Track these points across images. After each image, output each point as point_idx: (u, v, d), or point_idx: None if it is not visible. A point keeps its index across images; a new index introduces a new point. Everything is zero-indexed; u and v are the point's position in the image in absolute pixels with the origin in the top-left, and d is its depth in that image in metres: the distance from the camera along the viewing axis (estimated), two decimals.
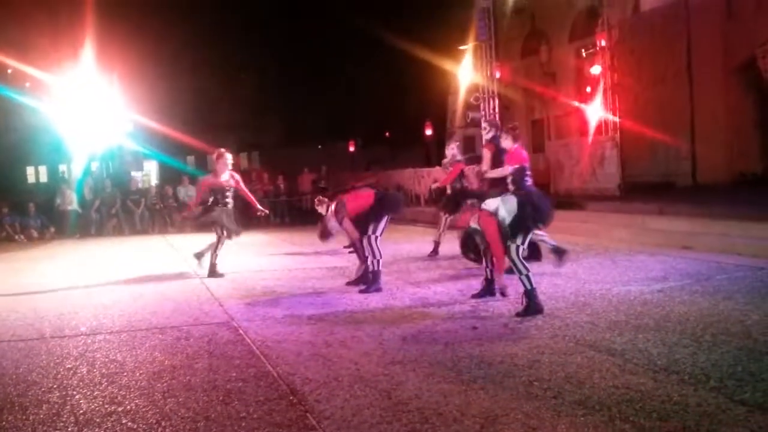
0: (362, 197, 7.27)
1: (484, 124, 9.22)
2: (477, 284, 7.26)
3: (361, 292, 7.02)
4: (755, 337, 4.73)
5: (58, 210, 16.99)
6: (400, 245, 11.39)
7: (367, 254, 7.22)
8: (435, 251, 9.69)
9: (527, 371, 4.20)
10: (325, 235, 7.64)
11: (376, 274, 7.15)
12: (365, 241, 7.19)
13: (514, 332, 5.19)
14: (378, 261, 7.16)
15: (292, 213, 19.55)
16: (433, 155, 24.44)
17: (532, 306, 5.72)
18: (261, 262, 10.02)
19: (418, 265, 8.90)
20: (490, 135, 8.66)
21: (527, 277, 5.77)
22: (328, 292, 7.19)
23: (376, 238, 7.17)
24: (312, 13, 31.95)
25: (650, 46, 14.74)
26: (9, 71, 20.93)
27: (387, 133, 36.74)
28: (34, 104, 20.80)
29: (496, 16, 18.02)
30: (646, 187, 13.60)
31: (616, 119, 15.45)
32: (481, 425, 3.39)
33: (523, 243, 5.91)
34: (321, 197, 8.07)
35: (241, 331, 5.57)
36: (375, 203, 7.18)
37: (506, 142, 7.61)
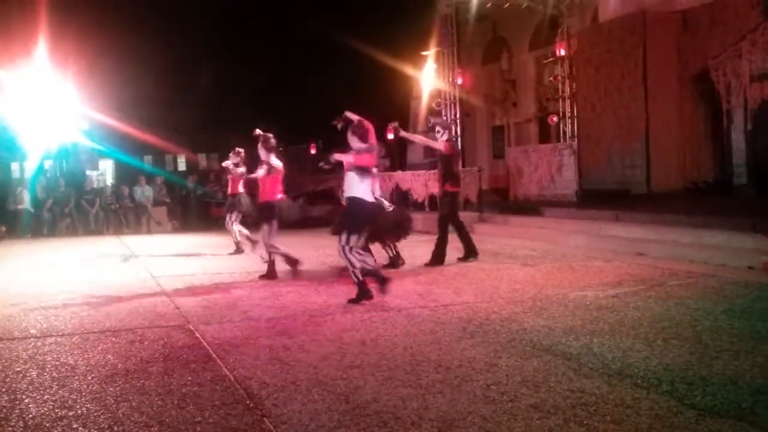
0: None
1: (438, 127, 9.47)
2: (438, 289, 7.31)
3: (350, 302, 6.59)
4: (706, 342, 4.85)
5: (9, 209, 16.51)
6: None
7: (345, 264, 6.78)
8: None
9: (485, 375, 4.24)
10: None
11: (360, 284, 6.66)
12: (338, 252, 6.74)
13: (472, 336, 5.22)
14: (357, 269, 6.65)
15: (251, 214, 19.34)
16: (395, 158, 24.49)
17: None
18: (219, 265, 9.90)
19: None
20: (445, 136, 9.27)
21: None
22: (287, 295, 7.13)
23: (351, 248, 6.63)
24: (273, 16, 31.76)
25: (608, 56, 15.03)
26: None
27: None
28: None
29: (459, 23, 18.19)
30: (603, 194, 13.86)
31: (575, 127, 15.77)
32: (439, 429, 3.40)
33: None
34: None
35: (197, 335, 5.49)
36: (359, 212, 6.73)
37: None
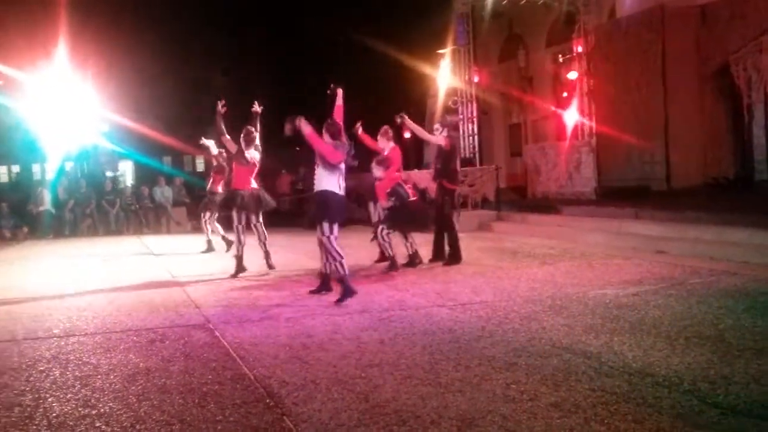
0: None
1: (437, 125, 9.66)
2: (456, 287, 7.31)
3: (336, 303, 6.58)
4: (728, 341, 4.80)
5: (31, 210, 16.73)
6: (377, 248, 11.38)
7: (326, 259, 6.94)
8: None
9: (504, 374, 4.22)
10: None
11: (343, 278, 6.73)
12: (323, 244, 6.84)
13: (491, 335, 5.21)
14: (341, 263, 6.74)
15: (269, 215, 19.42)
16: (411, 157, 24.49)
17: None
18: None
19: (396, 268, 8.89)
20: (444, 133, 9.38)
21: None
22: (305, 295, 7.15)
23: (335, 238, 6.76)
24: (291, 16, 31.86)
25: (626, 52, 14.90)
26: None
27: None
28: (8, 103, 20.45)
29: (475, 21, 18.13)
30: (622, 191, 13.74)
31: (592, 124, 15.65)
32: (458, 428, 3.40)
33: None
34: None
35: (217, 334, 5.53)
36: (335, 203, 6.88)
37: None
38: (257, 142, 8.96)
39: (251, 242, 9.09)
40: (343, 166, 6.89)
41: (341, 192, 6.91)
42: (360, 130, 8.88)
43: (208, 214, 11.54)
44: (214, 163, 11.54)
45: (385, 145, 9.06)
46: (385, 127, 9.18)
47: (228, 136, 9.15)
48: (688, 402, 3.65)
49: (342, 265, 6.73)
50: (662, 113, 14.15)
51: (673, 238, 9.49)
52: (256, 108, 9.09)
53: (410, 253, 8.95)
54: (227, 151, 9.35)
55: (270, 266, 9.06)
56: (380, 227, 8.67)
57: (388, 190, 8.56)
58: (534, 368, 4.32)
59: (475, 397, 3.82)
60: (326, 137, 6.86)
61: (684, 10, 14.27)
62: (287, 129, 6.87)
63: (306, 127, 6.78)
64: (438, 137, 9.29)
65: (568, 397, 3.78)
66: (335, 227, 6.82)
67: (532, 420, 3.47)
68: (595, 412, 3.53)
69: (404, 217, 8.59)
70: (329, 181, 6.83)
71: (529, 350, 4.74)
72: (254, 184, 9.09)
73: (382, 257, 9.07)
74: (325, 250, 6.88)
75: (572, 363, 4.41)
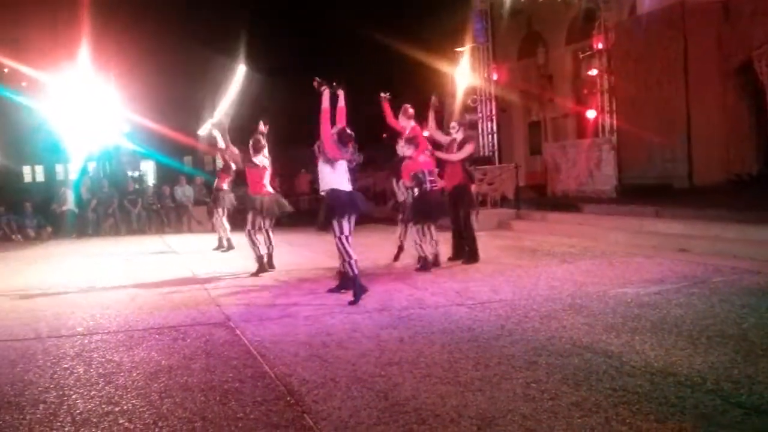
0: None
1: (453, 123, 9.55)
2: (475, 286, 7.29)
3: (350, 303, 6.50)
4: (752, 340, 4.74)
5: (55, 210, 16.97)
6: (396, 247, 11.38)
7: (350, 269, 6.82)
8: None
9: (524, 373, 4.21)
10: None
11: (354, 278, 6.70)
12: (335, 243, 6.81)
13: (511, 334, 5.19)
14: (351, 263, 6.73)
15: (289, 214, 19.50)
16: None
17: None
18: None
19: (415, 267, 8.89)
20: (461, 134, 9.18)
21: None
22: (324, 293, 7.18)
23: (347, 238, 6.76)
24: (309, 14, 31.93)
25: (647, 49, 14.76)
26: (5, 70, 20.86)
27: (384, 135, 36.80)
28: (31, 104, 20.74)
29: (493, 18, 18.04)
30: (643, 189, 13.61)
31: (613, 121, 15.53)
32: (478, 427, 3.40)
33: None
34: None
35: (238, 332, 5.57)
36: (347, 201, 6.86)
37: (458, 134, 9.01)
38: (265, 152, 9.08)
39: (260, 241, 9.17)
40: (344, 163, 6.86)
41: (349, 187, 6.87)
42: (386, 99, 8.74)
43: (219, 211, 11.64)
44: (219, 159, 11.69)
45: (406, 123, 8.84)
46: (406, 105, 9.00)
47: (235, 150, 9.46)
48: (711, 402, 3.62)
49: (352, 265, 6.70)
50: (684, 110, 14.01)
51: (695, 236, 9.38)
52: (262, 128, 9.20)
53: (433, 252, 8.71)
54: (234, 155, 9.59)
55: (271, 266, 9.02)
56: (414, 228, 8.53)
57: (413, 173, 8.38)
58: (554, 367, 4.30)
59: (495, 396, 3.81)
60: (334, 137, 6.88)
61: (705, 6, 14.11)
62: (315, 83, 7.01)
63: (325, 102, 6.90)
64: (469, 145, 9.04)
65: (589, 396, 3.76)
66: (346, 225, 6.74)
67: (552, 419, 3.45)
68: (616, 412, 3.51)
69: (425, 207, 8.41)
70: (334, 179, 6.82)
71: (549, 349, 4.72)
72: (269, 188, 9.12)
73: (399, 254, 9.09)
74: (338, 251, 6.86)
75: (593, 362, 4.38)
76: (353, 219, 6.90)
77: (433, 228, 8.58)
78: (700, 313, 5.60)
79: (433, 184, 8.46)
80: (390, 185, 19.20)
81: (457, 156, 8.88)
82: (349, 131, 6.99)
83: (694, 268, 7.78)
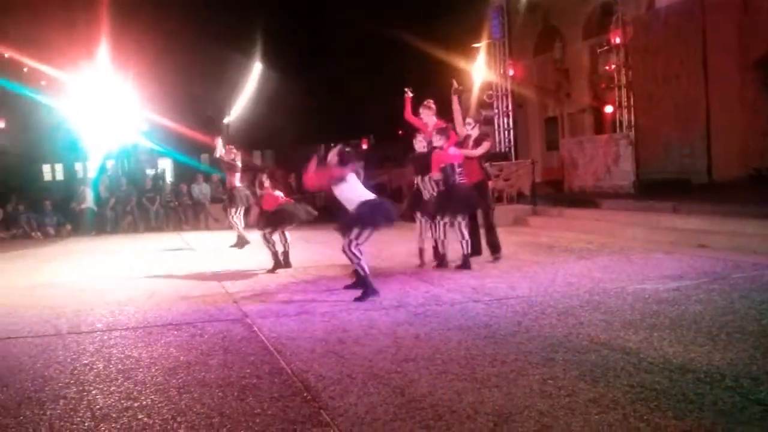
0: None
1: (469, 119, 9.14)
2: (491, 282, 7.27)
3: (356, 300, 6.54)
4: None
5: (74, 208, 17.15)
6: (412, 243, 11.37)
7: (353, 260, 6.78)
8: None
9: (541, 369, 4.20)
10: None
11: (366, 278, 6.68)
12: (343, 247, 6.73)
13: (528, 330, 5.18)
14: (361, 264, 6.69)
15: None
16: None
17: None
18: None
19: (431, 263, 8.89)
20: (476, 131, 8.93)
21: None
22: (341, 290, 7.19)
23: (357, 245, 6.67)
24: (325, 12, 31.95)
25: (665, 43, 14.61)
26: (25, 69, 21.11)
27: (400, 131, 36.74)
28: (50, 102, 20.97)
29: (510, 14, 17.98)
30: (661, 184, 13.48)
31: (631, 116, 15.39)
32: (495, 423, 3.39)
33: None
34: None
35: (255, 328, 5.60)
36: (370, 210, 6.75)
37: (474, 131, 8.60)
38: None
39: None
40: (353, 174, 6.84)
41: (371, 195, 6.82)
42: (409, 94, 8.64)
43: (234, 209, 11.73)
44: (225, 160, 11.82)
45: (429, 119, 8.69)
46: (429, 100, 8.85)
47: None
48: (731, 398, 3.58)
49: (363, 266, 6.65)
50: (703, 104, 13.85)
51: (714, 232, 9.28)
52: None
53: (466, 254, 8.30)
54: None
55: (287, 264, 8.97)
56: (440, 224, 8.21)
57: (443, 165, 8.05)
58: (571, 364, 4.28)
59: (512, 393, 3.80)
60: (335, 159, 6.91)
61: None
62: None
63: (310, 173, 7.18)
64: (488, 142, 8.88)
65: (607, 393, 3.74)
66: (367, 234, 6.66)
67: (569, 416, 3.44)
68: (634, 409, 3.49)
69: (453, 202, 8.07)
70: (355, 194, 6.72)
71: (567, 346, 4.70)
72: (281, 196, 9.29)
73: (423, 256, 8.68)
74: (346, 252, 6.71)
75: (611, 359, 4.35)
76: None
77: (464, 224, 8.18)
78: (720, 309, 5.55)
79: (462, 178, 8.19)
80: (407, 181, 19.13)
81: (476, 152, 8.70)
82: (347, 149, 7.00)
83: (714, 263, 7.71)
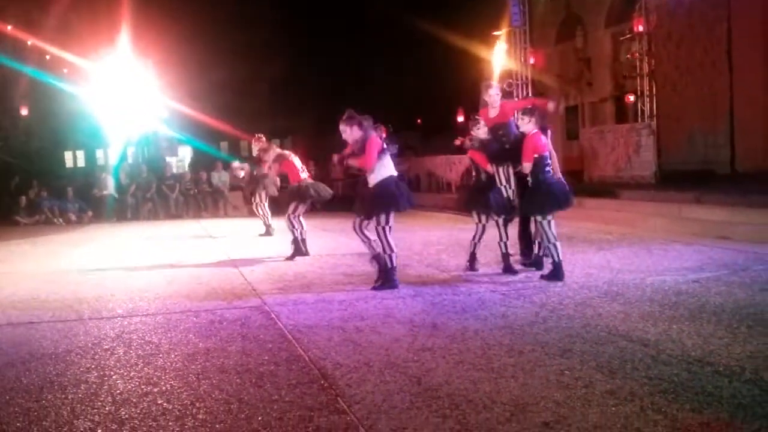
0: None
1: (523, 115, 7.25)
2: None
3: (373, 288, 6.55)
4: None
5: (95, 195, 17.35)
6: (430, 232, 11.38)
7: (378, 248, 6.67)
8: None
9: (558, 360, 4.18)
10: None
11: (391, 270, 6.59)
12: (376, 233, 6.56)
13: (545, 321, 5.16)
14: (391, 256, 6.57)
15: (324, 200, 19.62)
16: (438, 144, 24.34)
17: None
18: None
19: (448, 253, 8.89)
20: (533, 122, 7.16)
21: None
22: (358, 278, 7.22)
23: (390, 228, 6.52)
24: (343, 1, 31.88)
25: (689, 31, 14.41)
26: (47, 57, 21.32)
27: (419, 120, 36.66)
28: (72, 90, 21.17)
29: (531, 2, 17.79)
30: (683, 175, 13.34)
31: (653, 106, 15.22)
32: (511, 413, 3.39)
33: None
34: None
35: (273, 316, 5.64)
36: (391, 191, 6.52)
37: (528, 126, 6.83)
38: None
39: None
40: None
41: (396, 172, 6.64)
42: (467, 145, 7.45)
43: (259, 197, 11.80)
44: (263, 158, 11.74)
45: (492, 99, 7.51)
46: (489, 81, 8.19)
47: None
48: (750, 392, 3.55)
49: (392, 258, 6.57)
50: (727, 94, 13.66)
51: (736, 223, 9.17)
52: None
53: (536, 254, 7.46)
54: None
55: (305, 252, 9.05)
56: (543, 222, 6.84)
57: (537, 155, 6.77)
58: (589, 355, 4.26)
59: (528, 383, 3.80)
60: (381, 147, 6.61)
61: None
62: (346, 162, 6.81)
63: (353, 162, 6.73)
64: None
65: (624, 384, 3.72)
66: (391, 216, 6.54)
67: (586, 407, 3.43)
68: (652, 401, 3.47)
69: (547, 197, 6.88)
70: (383, 170, 6.54)
71: (584, 337, 4.68)
72: (305, 177, 9.47)
73: (475, 262, 7.51)
74: (378, 240, 6.60)
75: (628, 350, 4.33)
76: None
77: (553, 224, 6.86)
78: (740, 301, 5.49)
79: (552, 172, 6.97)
80: (424, 170, 18.92)
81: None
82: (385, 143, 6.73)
83: (735, 255, 7.62)
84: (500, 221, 7.31)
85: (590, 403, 3.47)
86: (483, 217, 7.34)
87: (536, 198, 6.86)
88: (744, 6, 13.61)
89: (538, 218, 6.92)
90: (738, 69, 13.62)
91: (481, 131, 7.37)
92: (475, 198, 7.39)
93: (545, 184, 6.84)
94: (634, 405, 3.43)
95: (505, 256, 7.30)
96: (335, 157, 6.98)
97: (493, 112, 7.48)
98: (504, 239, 7.28)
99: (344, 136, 6.67)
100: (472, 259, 7.50)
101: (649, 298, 5.75)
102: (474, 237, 7.40)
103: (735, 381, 3.71)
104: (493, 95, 7.49)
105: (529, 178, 6.94)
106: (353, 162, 6.74)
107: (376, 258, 6.77)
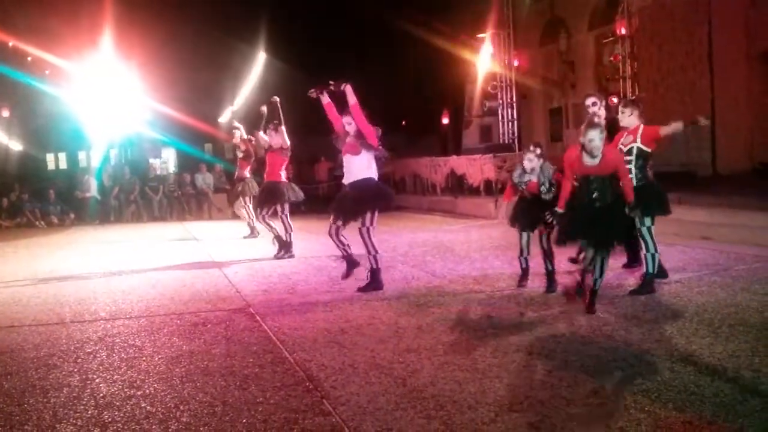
0: None
1: (623, 109, 7.01)
2: (494, 274, 7.27)
3: (359, 290, 6.53)
4: None
5: (77, 197, 17.19)
6: (415, 234, 11.40)
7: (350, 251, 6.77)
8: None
9: (543, 360, 4.21)
10: None
11: (377, 271, 6.63)
12: (360, 234, 6.59)
13: (530, 322, 5.18)
14: (376, 257, 6.61)
15: (308, 201, 19.58)
16: (449, 144, 24.38)
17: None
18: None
19: (433, 255, 8.90)
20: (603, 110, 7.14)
21: None
22: (343, 281, 7.19)
23: (373, 229, 6.57)
24: (330, 1, 31.86)
25: (671, 34, 14.54)
26: (29, 59, 21.11)
27: (403, 122, 36.74)
28: (54, 92, 20.99)
29: (515, 4, 17.90)
30: (666, 176, 13.39)
31: None
32: (496, 413, 3.40)
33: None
34: None
35: (258, 318, 5.62)
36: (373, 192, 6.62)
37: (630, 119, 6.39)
38: (285, 135, 9.32)
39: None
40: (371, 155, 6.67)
41: (376, 176, 6.69)
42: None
43: (245, 200, 11.77)
44: (241, 148, 11.73)
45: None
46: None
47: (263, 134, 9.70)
48: (731, 391, 3.59)
49: (377, 259, 6.61)
50: (708, 96, 13.78)
51: (718, 224, 9.26)
52: (275, 99, 9.37)
53: (550, 269, 6.37)
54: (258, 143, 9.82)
55: (291, 254, 9.09)
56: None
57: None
58: (573, 355, 4.28)
59: (513, 384, 3.81)
60: (378, 133, 6.76)
61: None
62: (334, 86, 6.67)
63: (352, 98, 6.56)
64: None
65: (608, 384, 3.75)
66: (375, 217, 6.58)
67: (570, 406, 3.45)
68: (635, 400, 3.50)
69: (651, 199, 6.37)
70: (362, 170, 6.60)
71: (569, 337, 4.70)
72: (284, 177, 9.41)
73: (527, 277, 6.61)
74: (362, 241, 6.61)
75: (612, 350, 4.36)
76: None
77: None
78: (722, 301, 5.55)
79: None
80: (432, 175, 18.70)
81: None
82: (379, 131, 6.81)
83: (717, 256, 7.70)
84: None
85: (575, 403, 3.49)
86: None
87: (653, 198, 6.30)
88: (725, 9, 13.77)
89: (647, 224, 6.20)
90: (719, 72, 13.76)
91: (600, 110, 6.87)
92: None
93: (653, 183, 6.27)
94: (617, 404, 3.45)
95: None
96: (345, 84, 6.65)
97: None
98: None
99: (347, 128, 6.80)
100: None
101: (632, 299, 5.80)
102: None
103: (717, 380, 3.75)
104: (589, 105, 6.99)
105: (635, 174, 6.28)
106: (352, 97, 6.56)
107: (346, 258, 6.83)
